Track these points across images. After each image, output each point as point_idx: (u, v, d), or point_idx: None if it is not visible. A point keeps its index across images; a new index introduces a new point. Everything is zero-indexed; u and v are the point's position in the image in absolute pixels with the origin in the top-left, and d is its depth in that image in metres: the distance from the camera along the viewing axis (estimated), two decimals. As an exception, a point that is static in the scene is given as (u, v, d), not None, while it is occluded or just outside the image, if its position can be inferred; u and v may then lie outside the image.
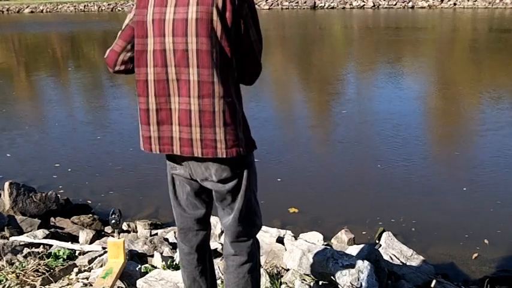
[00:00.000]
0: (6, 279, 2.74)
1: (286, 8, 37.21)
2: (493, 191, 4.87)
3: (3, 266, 2.89)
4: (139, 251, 3.32)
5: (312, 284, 2.63)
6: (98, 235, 3.94)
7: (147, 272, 2.79)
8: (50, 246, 3.44)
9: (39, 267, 2.83)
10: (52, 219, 4.40)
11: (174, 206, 1.99)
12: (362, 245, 2.96)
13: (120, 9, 43.69)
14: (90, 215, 4.52)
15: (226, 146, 1.73)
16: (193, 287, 2.06)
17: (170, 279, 2.62)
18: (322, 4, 36.24)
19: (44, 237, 3.66)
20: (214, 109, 1.70)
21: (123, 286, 2.70)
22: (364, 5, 34.83)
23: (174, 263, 2.94)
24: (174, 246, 3.46)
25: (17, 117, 8.68)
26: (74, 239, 3.91)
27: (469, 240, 4.01)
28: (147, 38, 1.72)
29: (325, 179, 5.37)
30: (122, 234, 2.89)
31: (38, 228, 3.99)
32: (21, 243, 3.43)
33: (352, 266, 2.53)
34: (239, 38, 1.71)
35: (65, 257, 3.11)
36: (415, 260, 3.33)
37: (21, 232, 3.93)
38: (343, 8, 35.12)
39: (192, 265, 2.03)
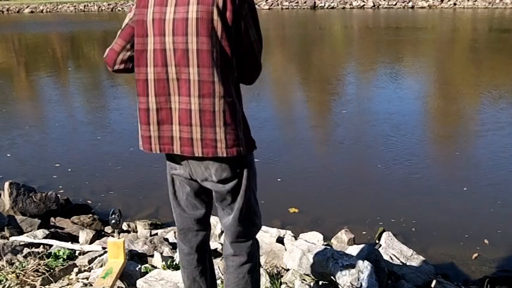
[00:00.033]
0: (6, 279, 2.74)
1: (286, 8, 37.21)
2: (493, 191, 4.87)
3: (3, 266, 2.89)
4: (139, 251, 3.32)
5: (312, 284, 2.63)
6: (98, 235, 3.94)
7: (147, 272, 2.79)
8: (50, 246, 3.43)
9: (39, 267, 2.83)
10: (52, 219, 4.40)
11: (174, 207, 1.99)
12: (362, 245, 2.96)
13: (120, 9, 43.71)
14: (90, 215, 4.52)
15: (226, 146, 1.73)
16: (193, 287, 2.06)
17: (170, 279, 2.62)
18: (322, 4, 36.25)
19: (44, 237, 3.66)
20: (215, 109, 1.70)
21: (123, 286, 2.70)
22: (364, 5, 34.84)
23: (174, 263, 2.93)
24: (174, 246, 3.46)
25: (17, 117, 8.68)
26: (74, 239, 3.91)
27: (469, 240, 4.01)
28: (147, 38, 1.72)
29: (325, 179, 5.36)
30: (122, 234, 2.89)
31: (38, 228, 3.99)
32: (21, 243, 3.43)
33: (352, 266, 2.53)
34: (239, 38, 1.71)
35: (65, 257, 3.11)
36: (415, 260, 3.32)
37: (21, 232, 3.93)
38: (343, 8, 35.14)
39: (192, 265, 2.03)
